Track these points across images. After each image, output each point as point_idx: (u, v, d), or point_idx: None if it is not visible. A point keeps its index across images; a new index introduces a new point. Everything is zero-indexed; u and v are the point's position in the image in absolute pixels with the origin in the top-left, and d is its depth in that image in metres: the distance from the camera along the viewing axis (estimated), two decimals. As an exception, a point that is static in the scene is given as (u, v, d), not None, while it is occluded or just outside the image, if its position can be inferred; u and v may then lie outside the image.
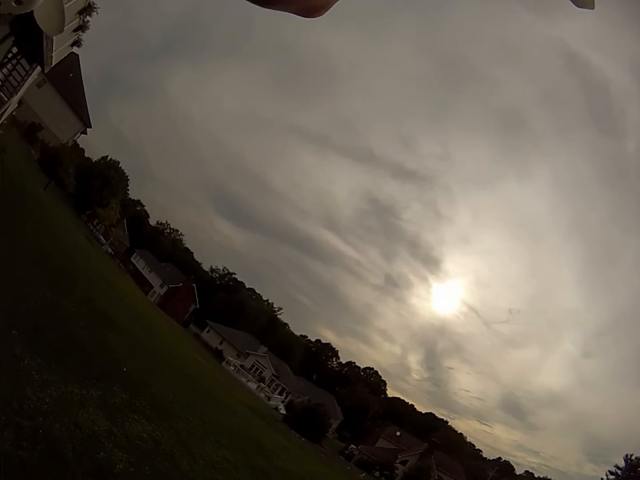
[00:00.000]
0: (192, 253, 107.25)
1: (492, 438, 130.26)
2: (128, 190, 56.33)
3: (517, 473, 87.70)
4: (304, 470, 17.09)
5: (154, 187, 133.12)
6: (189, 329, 64.99)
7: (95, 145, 78.27)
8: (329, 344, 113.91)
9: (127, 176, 46.23)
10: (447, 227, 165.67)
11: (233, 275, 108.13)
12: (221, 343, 66.97)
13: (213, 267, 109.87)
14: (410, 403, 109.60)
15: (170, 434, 7.37)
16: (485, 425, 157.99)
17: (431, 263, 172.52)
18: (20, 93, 17.68)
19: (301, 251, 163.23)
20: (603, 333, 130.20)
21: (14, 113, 23.27)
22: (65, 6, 8.22)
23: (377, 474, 43.48)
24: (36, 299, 7.14)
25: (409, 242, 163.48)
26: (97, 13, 12.77)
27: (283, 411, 43.10)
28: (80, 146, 51.96)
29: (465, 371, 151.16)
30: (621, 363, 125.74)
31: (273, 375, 66.10)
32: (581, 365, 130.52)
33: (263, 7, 0.74)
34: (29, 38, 11.33)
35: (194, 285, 72.02)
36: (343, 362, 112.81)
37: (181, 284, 69.79)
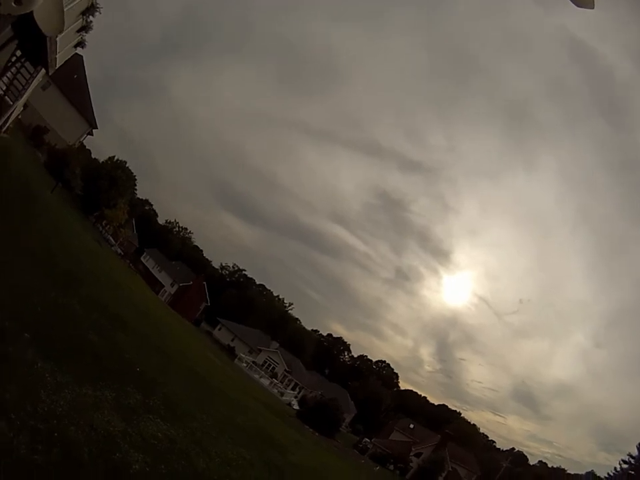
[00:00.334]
0: (201, 250, 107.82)
1: (505, 429, 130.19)
2: (136, 190, 56.48)
3: (531, 463, 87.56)
4: (318, 464, 17.15)
5: (161, 186, 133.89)
6: (200, 327, 65.33)
7: (101, 146, 78.75)
8: (340, 338, 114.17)
9: (134, 175, 46.29)
10: (456, 219, 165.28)
11: (243, 272, 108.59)
12: (232, 340, 67.23)
13: (223, 264, 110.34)
14: (422, 395, 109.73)
15: (185, 432, 7.39)
16: (498, 415, 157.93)
17: (441, 255, 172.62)
18: (25, 96, 17.75)
19: (310, 246, 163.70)
20: (613, 322, 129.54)
21: (19, 117, 23.36)
22: (68, 7, 8.22)
23: (391, 467, 43.55)
24: (46, 302, 7.16)
25: (418, 234, 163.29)
26: (100, 13, 12.72)
27: (296, 407, 43.26)
28: (86, 147, 52.15)
29: (477, 362, 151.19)
30: (632, 352, 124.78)
31: (285, 370, 66.30)
32: (591, 355, 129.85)
33: None
34: (32, 41, 11.35)
35: (204, 282, 72.23)
36: (355, 356, 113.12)
37: (192, 282, 70.05)
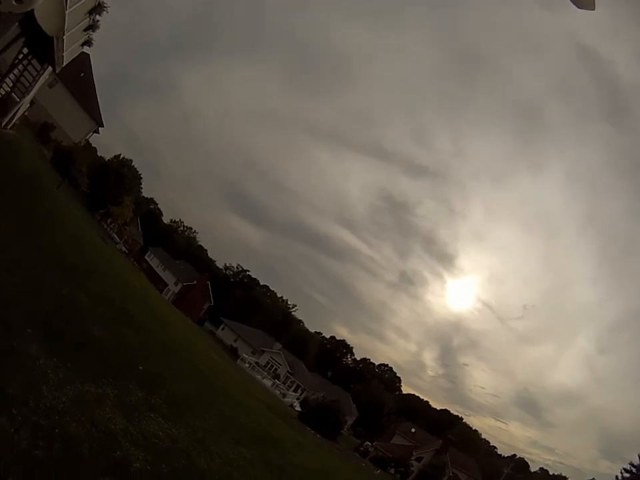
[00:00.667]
0: (206, 250, 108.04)
1: (507, 435, 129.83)
2: (141, 188, 56.71)
3: (532, 470, 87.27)
4: (319, 466, 17.09)
5: (167, 185, 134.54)
6: (203, 327, 65.44)
7: (107, 144, 79.13)
8: (343, 341, 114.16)
9: (140, 174, 46.46)
10: (461, 223, 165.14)
11: (247, 272, 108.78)
12: (235, 341, 67.29)
13: (227, 265, 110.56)
14: (425, 399, 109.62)
15: (186, 432, 7.36)
16: (500, 421, 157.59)
17: (446, 259, 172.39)
18: (32, 93, 17.87)
19: (314, 248, 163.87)
20: (617, 328, 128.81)
21: (26, 113, 23.49)
22: (75, 5, 8.23)
23: (392, 471, 43.38)
24: (51, 297, 7.17)
25: (423, 238, 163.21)
26: (107, 12, 12.77)
27: (298, 408, 43.21)
28: (92, 145, 52.42)
29: (480, 368, 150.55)
30: (637, 358, 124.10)
31: (287, 371, 66.29)
32: (595, 361, 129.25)
33: None
34: (39, 38, 11.40)
35: (208, 282, 72.34)
36: (358, 359, 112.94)
37: (196, 282, 70.20)
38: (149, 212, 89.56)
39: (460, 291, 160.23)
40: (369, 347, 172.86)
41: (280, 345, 71.57)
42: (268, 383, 50.68)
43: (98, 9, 12.55)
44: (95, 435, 4.68)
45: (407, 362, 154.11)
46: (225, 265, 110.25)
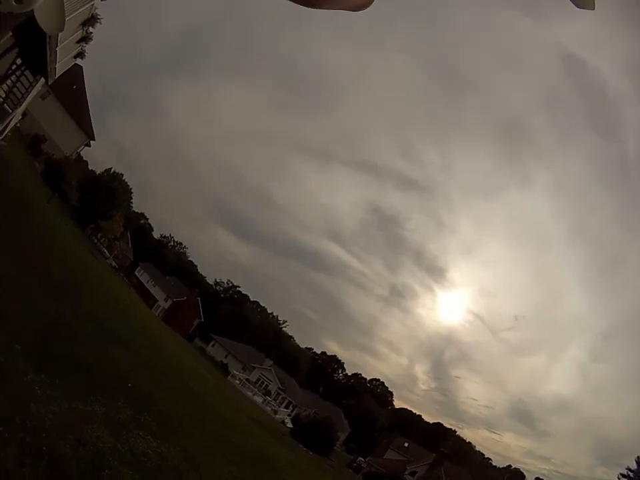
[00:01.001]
0: (196, 266, 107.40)
1: (501, 446, 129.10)
2: (132, 203, 56.20)
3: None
4: (312, 484, 16.88)
5: (156, 201, 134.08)
6: (193, 343, 64.75)
7: (98, 158, 78.93)
8: (334, 356, 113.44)
9: (131, 188, 46.02)
10: (451, 237, 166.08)
11: (237, 288, 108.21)
12: (226, 357, 66.64)
13: (217, 280, 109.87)
14: (417, 413, 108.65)
15: (176, 450, 7.26)
16: (494, 433, 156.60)
17: (436, 272, 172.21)
18: (24, 105, 17.81)
19: (304, 264, 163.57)
20: (610, 336, 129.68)
21: (18, 125, 23.39)
22: (69, 17, 8.27)
23: (386, 486, 42.89)
24: (39, 314, 7.10)
25: (413, 252, 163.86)
26: (100, 24, 12.87)
27: (290, 425, 42.74)
28: (84, 158, 52.13)
29: (472, 380, 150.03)
30: (630, 365, 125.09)
31: (278, 388, 65.68)
32: (589, 370, 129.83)
33: (310, 7, 0.70)
34: (33, 49, 11.43)
35: (198, 298, 71.80)
36: (349, 374, 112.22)
37: (185, 297, 69.65)
38: (139, 227, 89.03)
39: (451, 304, 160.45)
40: (360, 361, 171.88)
41: (271, 361, 71.02)
42: (259, 399, 50.17)
43: (91, 21, 12.65)
44: (83, 454, 4.61)
45: (398, 376, 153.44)
46: (215, 280, 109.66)
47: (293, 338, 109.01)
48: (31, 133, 31.19)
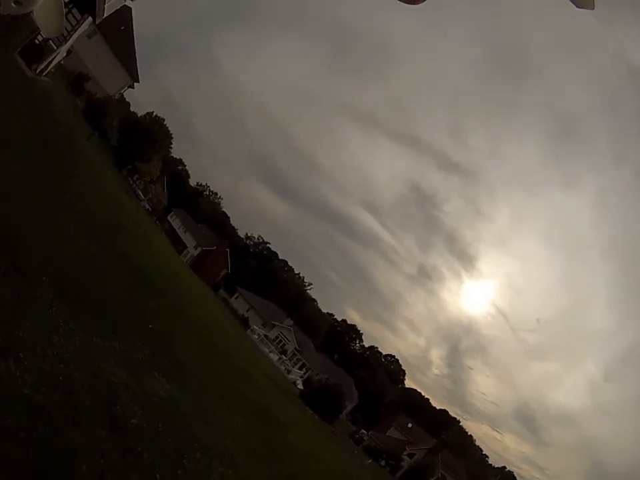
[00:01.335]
0: (229, 217, 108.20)
1: (501, 446, 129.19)
2: (171, 148, 56.51)
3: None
4: (312, 447, 17.26)
5: (197, 149, 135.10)
6: (218, 293, 66.03)
7: (142, 101, 79.38)
8: (354, 325, 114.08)
9: (172, 134, 46.14)
10: (486, 225, 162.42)
11: (267, 245, 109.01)
12: (247, 311, 67.71)
13: (249, 235, 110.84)
14: (426, 396, 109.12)
15: (187, 394, 7.47)
16: (496, 431, 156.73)
17: (466, 259, 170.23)
18: (69, 42, 17.87)
19: (337, 229, 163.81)
20: (627, 359, 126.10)
21: (62, 62, 23.52)
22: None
23: (383, 462, 43.58)
24: (73, 250, 7.29)
25: (447, 235, 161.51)
26: None
27: (301, 386, 43.61)
28: (126, 100, 52.38)
29: (484, 374, 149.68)
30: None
31: (295, 349, 66.81)
32: (600, 388, 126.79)
33: None
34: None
35: (227, 249, 72.63)
36: (366, 345, 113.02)
37: (215, 247, 70.50)
38: (176, 172, 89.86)
39: (476, 294, 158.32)
40: (379, 335, 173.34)
41: (291, 321, 71.93)
42: (274, 357, 51.09)
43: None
44: (97, 387, 4.76)
45: (413, 356, 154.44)
46: (246, 234, 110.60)
47: (316, 301, 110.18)
48: (75, 71, 31.27)
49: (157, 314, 9.81)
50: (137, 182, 44.54)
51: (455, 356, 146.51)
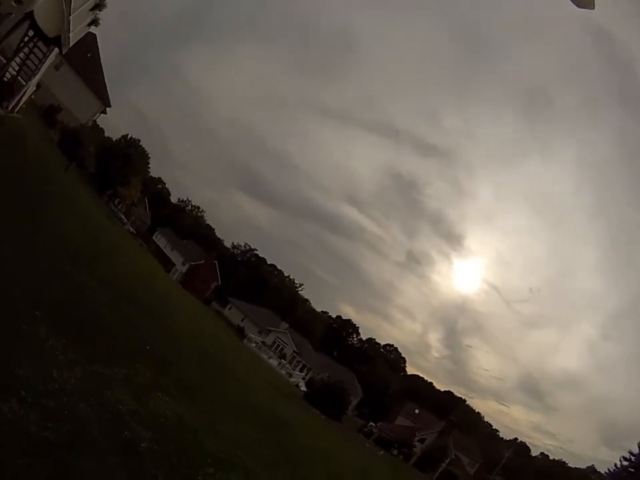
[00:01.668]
0: (213, 229, 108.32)
1: (509, 418, 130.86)
2: (149, 168, 56.27)
3: (533, 455, 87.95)
4: (324, 446, 17.32)
5: (174, 165, 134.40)
6: (210, 306, 65.84)
7: (114, 125, 78.59)
8: (349, 320, 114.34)
9: (148, 154, 46.08)
10: (469, 204, 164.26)
11: (255, 251, 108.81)
12: (242, 320, 67.67)
13: (235, 244, 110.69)
14: (429, 380, 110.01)
15: (194, 411, 7.45)
16: (503, 405, 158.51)
17: (453, 239, 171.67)
18: (38, 76, 17.67)
19: (322, 227, 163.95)
20: (622, 315, 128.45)
21: (32, 97, 23.28)
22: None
23: (395, 452, 43.83)
24: (60, 281, 7.21)
25: (431, 218, 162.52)
26: None
27: (304, 388, 43.65)
28: (100, 126, 52.13)
29: (484, 350, 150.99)
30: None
31: (294, 351, 66.89)
32: (599, 348, 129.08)
33: None
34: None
35: (215, 261, 72.56)
36: (364, 338, 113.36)
37: (203, 261, 70.40)
38: (156, 192, 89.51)
39: (467, 272, 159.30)
40: (375, 326, 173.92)
41: (286, 324, 71.97)
42: (274, 362, 51.16)
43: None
44: (104, 416, 4.73)
45: (412, 342, 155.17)
46: (233, 243, 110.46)
47: (309, 301, 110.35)
48: (46, 104, 31.05)
49: (152, 335, 9.74)
50: (119, 206, 44.28)
51: (452, 337, 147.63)
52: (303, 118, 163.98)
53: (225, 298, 74.22)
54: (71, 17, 11.22)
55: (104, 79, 39.97)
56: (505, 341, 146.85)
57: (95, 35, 33.20)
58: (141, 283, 16.53)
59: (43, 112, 30.47)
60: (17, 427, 3.39)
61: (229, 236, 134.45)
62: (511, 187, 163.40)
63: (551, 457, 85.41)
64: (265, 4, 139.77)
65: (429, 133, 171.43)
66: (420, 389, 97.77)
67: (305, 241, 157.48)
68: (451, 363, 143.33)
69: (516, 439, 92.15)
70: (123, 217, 44.05)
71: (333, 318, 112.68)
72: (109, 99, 41.31)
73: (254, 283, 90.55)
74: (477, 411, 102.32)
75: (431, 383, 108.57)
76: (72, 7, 9.84)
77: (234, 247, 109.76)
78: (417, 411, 63.71)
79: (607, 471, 39.79)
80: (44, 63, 16.57)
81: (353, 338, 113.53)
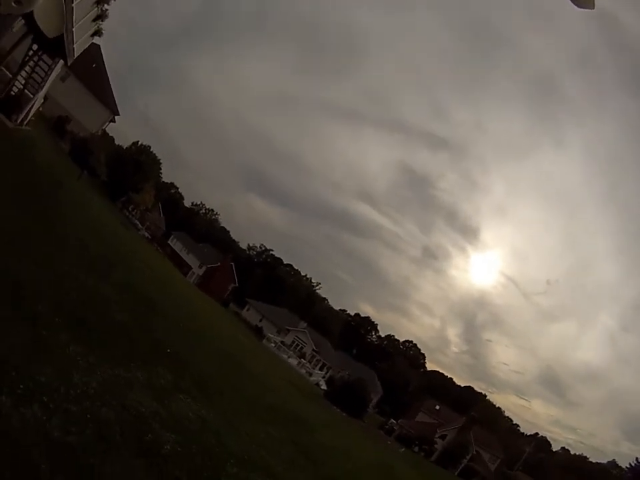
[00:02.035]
0: (228, 231, 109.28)
1: (530, 413, 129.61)
2: (161, 173, 56.80)
3: (554, 450, 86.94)
4: (345, 445, 17.26)
5: (186, 170, 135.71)
6: (228, 308, 66.25)
7: (124, 132, 79.81)
8: (368, 318, 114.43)
9: (159, 159, 46.51)
10: (484, 197, 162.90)
11: (271, 252, 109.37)
12: (260, 321, 68.00)
13: (250, 245, 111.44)
14: (449, 376, 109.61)
15: (216, 412, 7.47)
16: (523, 399, 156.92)
17: (469, 233, 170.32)
18: (45, 89, 17.94)
19: (337, 226, 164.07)
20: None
21: (41, 109, 23.65)
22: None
23: (416, 449, 43.65)
24: (77, 288, 7.27)
25: (446, 212, 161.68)
26: (115, 1, 12.69)
27: (324, 387, 43.69)
28: (110, 134, 52.84)
29: (503, 344, 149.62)
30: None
31: (313, 350, 66.98)
32: (619, 339, 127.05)
33: None
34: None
35: (232, 263, 73.00)
36: (382, 335, 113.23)
37: (219, 263, 70.84)
38: (169, 197, 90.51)
39: (483, 266, 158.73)
40: (394, 323, 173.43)
41: (305, 323, 72.09)
42: (294, 362, 51.25)
43: (105, -1, 12.49)
44: (126, 419, 4.75)
45: (431, 338, 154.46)
46: (248, 245, 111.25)
47: (327, 300, 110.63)
48: (55, 115, 31.60)
49: (171, 338, 9.80)
50: (133, 212, 44.79)
51: (471, 331, 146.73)
52: (313, 118, 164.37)
53: (242, 299, 74.63)
54: (74, 29, 11.34)
55: (111, 88, 40.71)
56: (524, 334, 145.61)
57: (99, 45, 33.98)
58: (158, 286, 16.66)
59: (52, 123, 31.03)
60: (40, 432, 3.42)
61: (244, 238, 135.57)
62: (524, 179, 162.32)
63: (571, 452, 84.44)
64: (272, 5, 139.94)
65: (439, 127, 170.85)
66: (440, 385, 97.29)
67: (320, 240, 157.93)
68: (470, 358, 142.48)
69: (537, 433, 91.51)
70: (137, 222, 44.56)
71: (351, 316, 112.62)
72: (117, 107, 42.00)
73: (271, 283, 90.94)
74: (497, 405, 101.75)
75: (451, 379, 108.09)
76: (74, 18, 9.92)
77: (250, 248, 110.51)
78: (437, 407, 63.41)
79: (627, 466, 38.98)
80: (50, 75, 16.81)
81: (372, 335, 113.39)
